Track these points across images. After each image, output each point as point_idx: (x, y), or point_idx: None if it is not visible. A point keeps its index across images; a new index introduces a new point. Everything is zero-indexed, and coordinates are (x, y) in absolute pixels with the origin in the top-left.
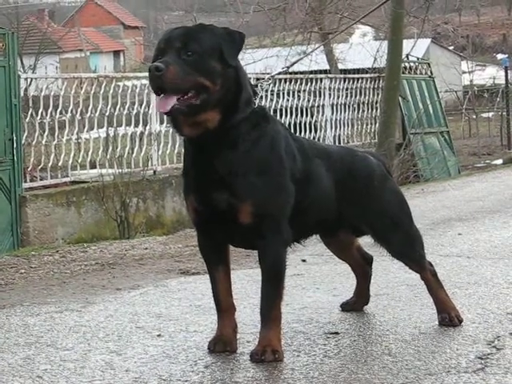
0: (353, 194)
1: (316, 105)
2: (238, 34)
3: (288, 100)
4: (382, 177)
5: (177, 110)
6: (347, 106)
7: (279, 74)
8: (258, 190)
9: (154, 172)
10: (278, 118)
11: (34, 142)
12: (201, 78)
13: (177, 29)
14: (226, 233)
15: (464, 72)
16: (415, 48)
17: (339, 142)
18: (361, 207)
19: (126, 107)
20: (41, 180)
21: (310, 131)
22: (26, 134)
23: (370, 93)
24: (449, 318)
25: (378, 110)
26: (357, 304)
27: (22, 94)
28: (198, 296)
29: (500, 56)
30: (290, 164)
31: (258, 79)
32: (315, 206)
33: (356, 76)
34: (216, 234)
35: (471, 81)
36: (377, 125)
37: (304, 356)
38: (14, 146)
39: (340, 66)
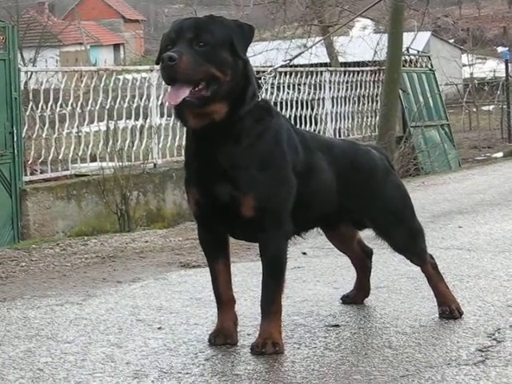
0: (355, 187)
1: (316, 98)
2: (248, 27)
3: (288, 93)
4: (384, 170)
5: (188, 102)
6: (347, 99)
7: (281, 66)
8: (261, 183)
9: (155, 165)
10: (278, 111)
11: (34, 136)
12: (212, 68)
13: (187, 19)
14: (227, 226)
15: (464, 65)
16: (415, 41)
17: (339, 135)
18: (363, 201)
19: (126, 100)
20: (41, 173)
21: (311, 124)
22: (26, 127)
23: (370, 86)
24: (449, 310)
25: (379, 103)
26: (357, 297)
27: (22, 87)
28: (198, 289)
29: (500, 49)
30: (292, 157)
31: (258, 72)
32: (317, 198)
33: (356, 69)
34: (217, 226)
35: (471, 74)
36: (377, 118)
37: (305, 348)
38: (15, 139)
39: (340, 59)
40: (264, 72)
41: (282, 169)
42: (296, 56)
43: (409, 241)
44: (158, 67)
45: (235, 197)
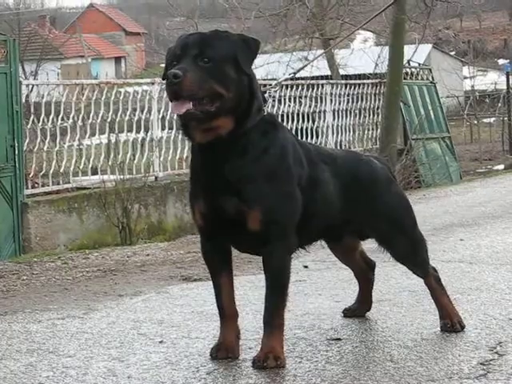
0: (357, 197)
1: (317, 111)
2: (254, 41)
3: (290, 106)
4: (386, 180)
5: (192, 114)
6: (349, 112)
7: (285, 80)
8: (268, 197)
9: (156, 178)
10: (284, 124)
11: (35, 149)
12: (216, 85)
13: (193, 35)
14: (232, 239)
15: (465, 77)
16: (416, 53)
17: (341, 148)
18: (365, 211)
19: (128, 113)
20: (42, 186)
21: (312, 137)
22: (27, 140)
23: (371, 98)
24: (451, 323)
25: (380, 116)
26: (359, 310)
27: (23, 100)
28: (199, 302)
29: (501, 61)
30: (298, 171)
31: (260, 86)
32: (322, 211)
33: (357, 82)
34: (221, 239)
35: (473, 86)
36: (378, 130)
37: (306, 362)
38: (16, 152)
39: (341, 72)
40: (266, 85)
41: (288, 183)
42: (300, 69)
43: (410, 250)
44: (159, 80)
45: (241, 210)
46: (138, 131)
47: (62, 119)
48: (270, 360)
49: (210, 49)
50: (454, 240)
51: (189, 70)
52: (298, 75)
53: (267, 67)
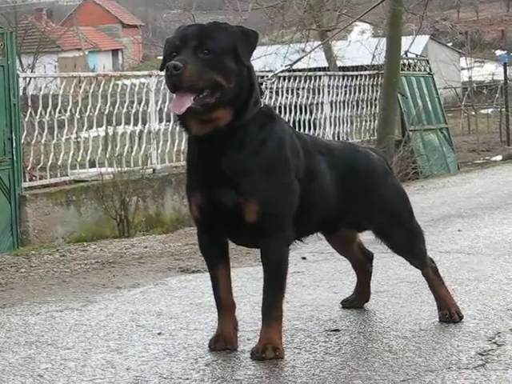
0: (354, 189)
1: (315, 102)
2: (252, 33)
3: (287, 98)
4: (383, 172)
5: (192, 109)
6: (346, 104)
7: (283, 71)
8: (265, 189)
9: (154, 170)
10: (281, 116)
11: (33, 142)
12: (217, 76)
13: (192, 26)
14: (229, 231)
15: (463, 68)
16: (414, 45)
17: (338, 140)
18: (362, 203)
19: (125, 106)
20: (40, 179)
21: (309, 129)
22: (25, 133)
23: (368, 90)
24: (449, 314)
25: (377, 107)
26: (357, 301)
27: (20, 93)
28: (198, 294)
29: (499, 52)
30: (295, 163)
31: (257, 77)
32: (319, 203)
33: (355, 73)
34: (218, 232)
35: (470, 77)
36: (376, 122)
37: (305, 353)
38: (14, 145)
39: (339, 64)
40: (263, 77)
41: (285, 175)
42: (296, 61)
43: (407, 242)
44: (156, 72)
45: (239, 202)
46: (135, 124)
47: (60, 112)
48: (268, 351)
49: (210, 40)
50: (451, 231)
51: (189, 62)
52: (295, 67)
53: (264, 59)
